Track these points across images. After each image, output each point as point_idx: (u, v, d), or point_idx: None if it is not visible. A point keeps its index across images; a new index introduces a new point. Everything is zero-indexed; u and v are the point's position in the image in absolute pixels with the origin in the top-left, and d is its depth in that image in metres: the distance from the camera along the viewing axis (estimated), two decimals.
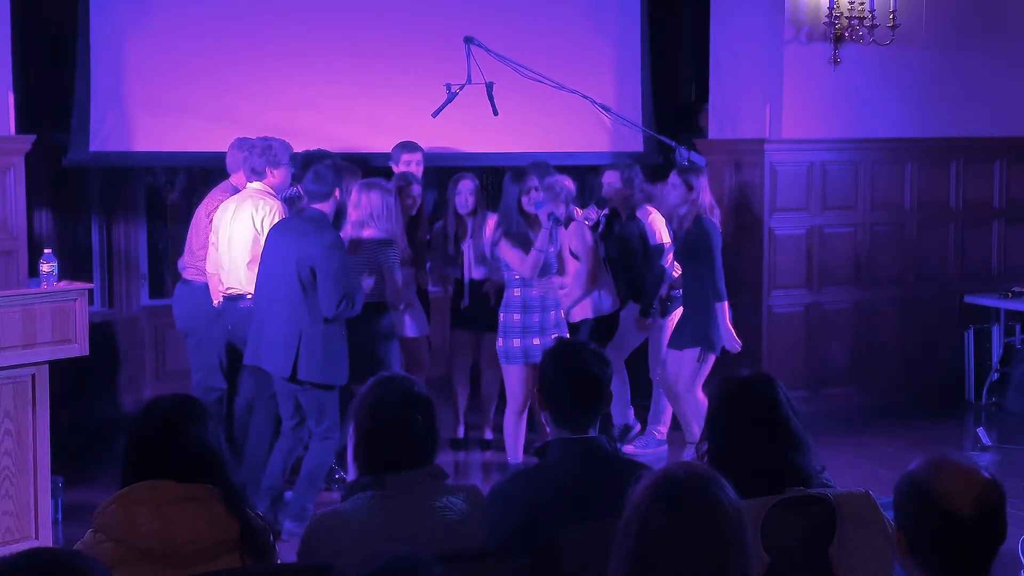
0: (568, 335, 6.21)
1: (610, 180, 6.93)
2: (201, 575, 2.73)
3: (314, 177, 5.64)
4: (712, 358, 6.50)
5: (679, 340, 6.55)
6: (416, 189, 6.62)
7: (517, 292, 6.23)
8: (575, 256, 6.54)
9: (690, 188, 6.46)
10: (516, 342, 6.22)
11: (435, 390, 3.51)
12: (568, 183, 6.77)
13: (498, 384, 7.14)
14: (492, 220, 6.91)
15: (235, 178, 6.35)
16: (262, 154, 6.03)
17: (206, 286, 6.16)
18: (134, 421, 2.93)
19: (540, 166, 6.74)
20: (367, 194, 6.00)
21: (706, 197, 6.55)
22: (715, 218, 6.54)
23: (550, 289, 6.28)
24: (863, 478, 5.90)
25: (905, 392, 8.13)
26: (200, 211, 6.38)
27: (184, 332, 6.52)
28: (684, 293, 6.61)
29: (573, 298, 6.61)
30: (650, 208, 6.92)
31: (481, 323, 6.94)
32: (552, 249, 6.19)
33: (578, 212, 6.65)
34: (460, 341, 7.10)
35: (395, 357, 6.11)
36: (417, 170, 6.91)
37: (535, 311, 6.22)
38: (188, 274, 6.36)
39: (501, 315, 6.30)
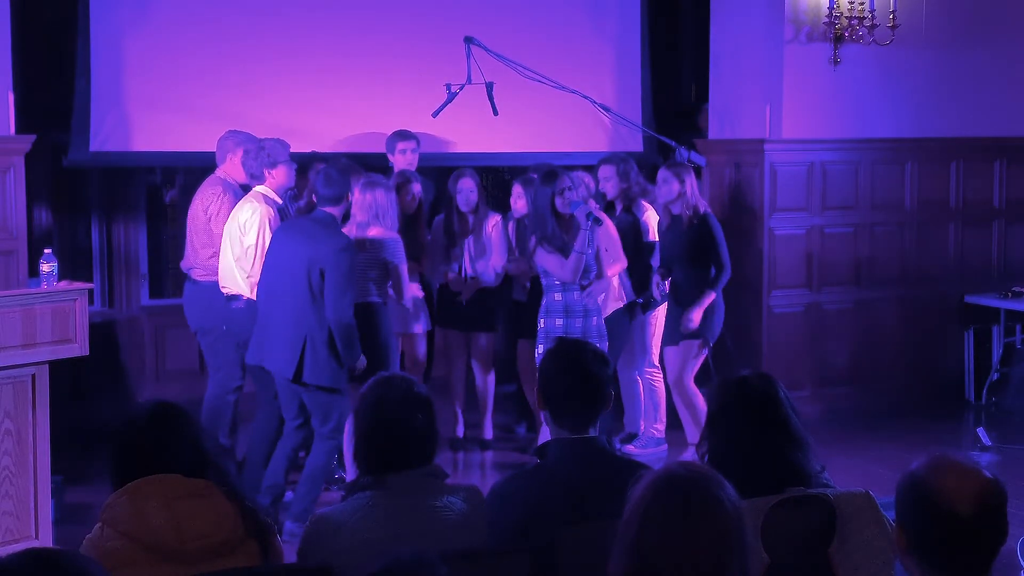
0: (608, 343, 6.10)
1: (606, 174, 6.92)
2: (204, 574, 2.73)
3: (324, 180, 5.62)
4: (705, 351, 6.56)
5: (674, 335, 6.59)
6: (416, 187, 6.61)
7: (558, 296, 6.08)
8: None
9: (681, 182, 6.51)
10: None
11: (435, 390, 3.51)
12: (588, 179, 6.76)
13: (493, 384, 7.13)
14: (494, 218, 6.91)
15: (221, 170, 6.34)
16: (256, 156, 6.02)
17: (214, 284, 6.14)
18: (123, 425, 2.92)
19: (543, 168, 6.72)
20: (371, 193, 6.00)
21: (698, 194, 6.60)
22: None
23: (590, 294, 6.13)
24: (863, 478, 5.90)
25: (905, 392, 8.13)
26: (196, 207, 6.35)
27: (196, 332, 6.50)
28: (677, 289, 6.63)
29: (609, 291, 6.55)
30: (646, 204, 6.91)
31: (471, 322, 6.94)
32: (590, 251, 6.05)
33: (591, 204, 6.62)
34: (451, 341, 7.10)
35: (395, 356, 6.11)
36: (412, 158, 6.91)
37: (578, 316, 6.07)
38: (195, 274, 6.32)
39: (542, 321, 6.14)
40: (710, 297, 6.53)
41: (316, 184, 5.70)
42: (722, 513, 2.11)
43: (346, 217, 5.89)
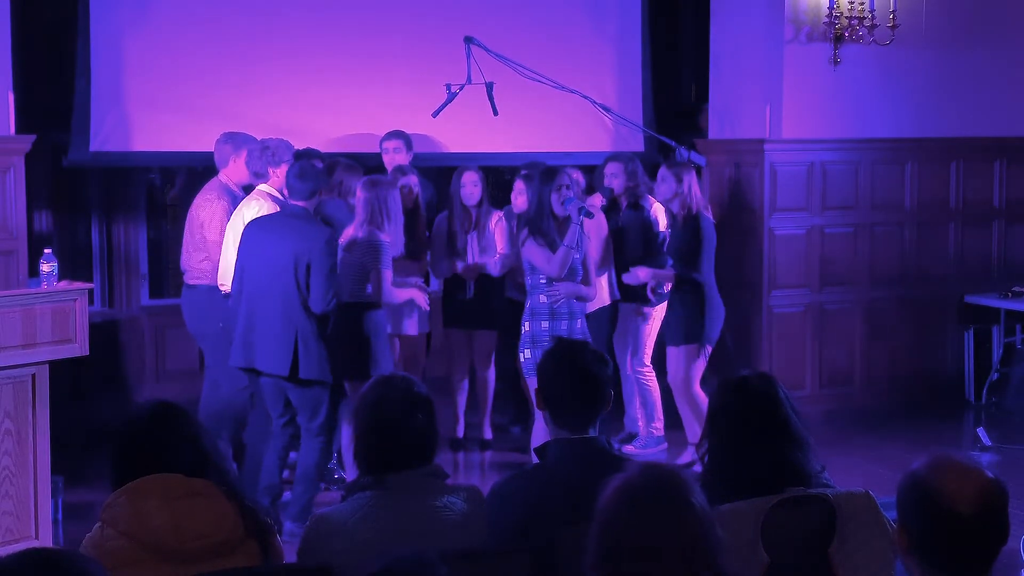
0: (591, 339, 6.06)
1: (613, 171, 6.93)
2: (204, 574, 2.73)
3: (298, 172, 5.62)
4: (706, 354, 6.54)
5: (673, 337, 6.59)
6: (412, 179, 6.58)
7: (543, 299, 5.93)
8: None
9: (679, 181, 6.50)
10: None
11: (434, 390, 3.50)
12: (578, 176, 6.75)
13: (493, 383, 7.12)
14: (496, 215, 6.90)
15: (223, 173, 6.34)
16: (260, 156, 6.02)
17: (210, 288, 6.13)
18: (123, 425, 2.92)
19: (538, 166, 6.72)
20: (372, 191, 6.00)
21: (696, 193, 6.59)
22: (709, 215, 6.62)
23: (575, 294, 5.97)
24: (863, 478, 5.90)
25: (905, 392, 8.13)
26: (192, 212, 6.34)
27: (195, 336, 6.49)
28: (676, 289, 6.62)
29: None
30: (652, 199, 6.92)
31: (474, 320, 6.92)
32: (577, 254, 5.91)
33: (596, 199, 6.60)
34: (454, 340, 7.09)
35: (388, 355, 6.10)
36: (396, 157, 6.91)
37: (563, 318, 5.93)
38: (189, 278, 6.33)
39: (527, 324, 5.97)
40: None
41: (288, 177, 5.68)
42: (682, 515, 2.13)
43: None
